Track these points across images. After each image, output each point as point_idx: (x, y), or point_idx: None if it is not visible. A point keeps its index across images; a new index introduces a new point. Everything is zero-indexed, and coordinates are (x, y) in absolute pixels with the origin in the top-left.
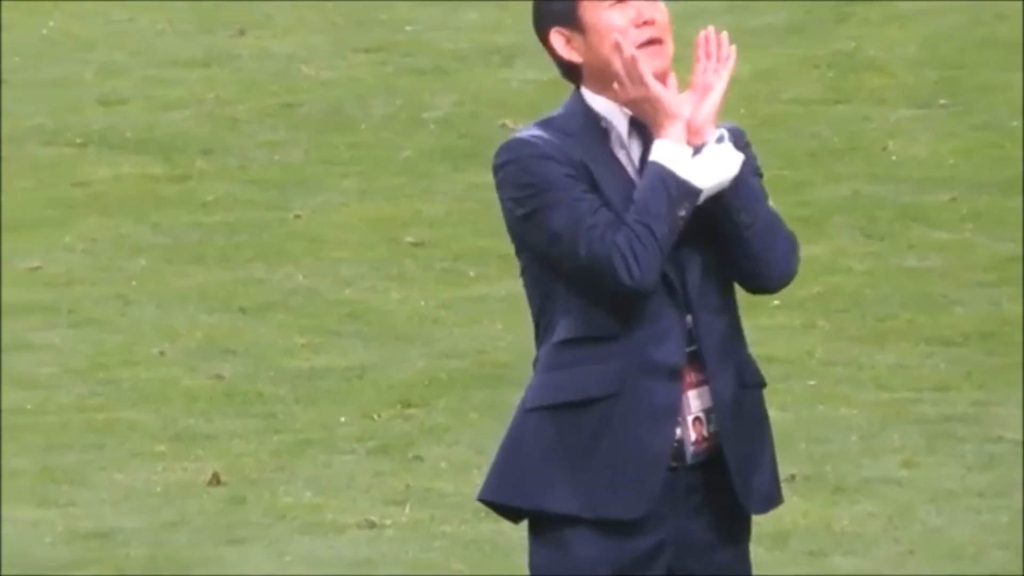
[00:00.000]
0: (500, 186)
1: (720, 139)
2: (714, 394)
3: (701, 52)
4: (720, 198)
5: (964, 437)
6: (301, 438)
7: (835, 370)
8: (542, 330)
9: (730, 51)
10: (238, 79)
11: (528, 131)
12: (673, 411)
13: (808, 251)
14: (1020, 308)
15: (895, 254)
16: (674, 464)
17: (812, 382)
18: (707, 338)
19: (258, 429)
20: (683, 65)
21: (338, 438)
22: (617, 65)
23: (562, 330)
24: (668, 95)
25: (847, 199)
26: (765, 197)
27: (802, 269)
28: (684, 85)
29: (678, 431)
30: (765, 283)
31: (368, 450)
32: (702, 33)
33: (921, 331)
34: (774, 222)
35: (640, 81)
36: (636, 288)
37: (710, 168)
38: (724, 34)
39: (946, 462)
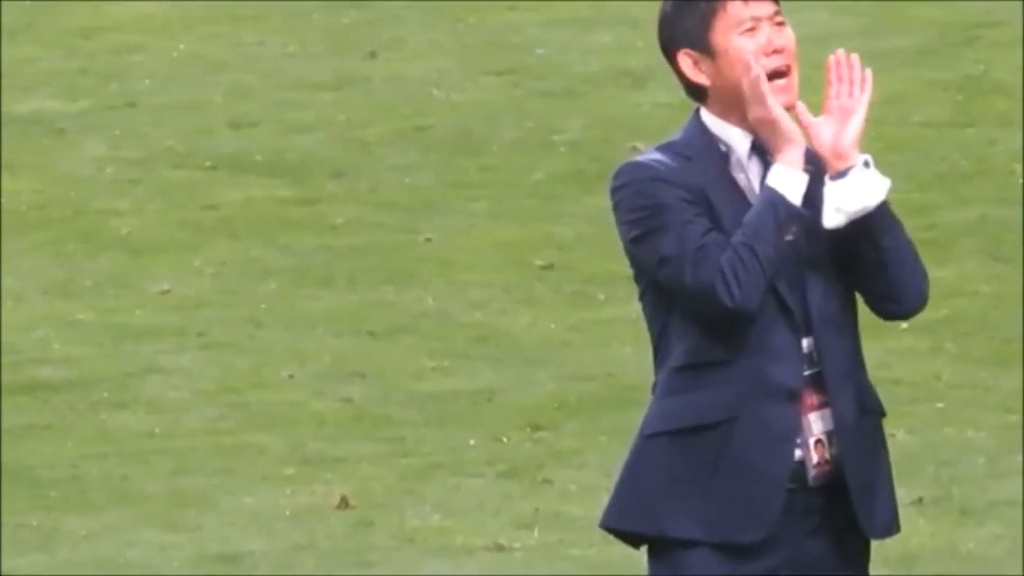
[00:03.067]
0: (616, 208)
1: (866, 164)
2: (836, 417)
3: (833, 75)
4: (865, 222)
5: None
6: (430, 461)
7: (962, 393)
8: (660, 355)
9: (865, 74)
10: (369, 102)
11: (647, 155)
12: (792, 434)
13: (935, 274)
14: None
15: (1021, 277)
16: (792, 486)
17: (939, 405)
18: (828, 360)
19: (386, 452)
20: (812, 87)
21: (467, 461)
22: (745, 85)
23: (679, 356)
24: (787, 118)
25: (974, 222)
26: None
27: (929, 292)
28: (814, 108)
29: (798, 452)
30: (902, 308)
31: (497, 473)
32: (833, 56)
33: None
34: (913, 248)
35: (762, 101)
36: (738, 310)
37: (856, 192)
38: (855, 56)
39: None
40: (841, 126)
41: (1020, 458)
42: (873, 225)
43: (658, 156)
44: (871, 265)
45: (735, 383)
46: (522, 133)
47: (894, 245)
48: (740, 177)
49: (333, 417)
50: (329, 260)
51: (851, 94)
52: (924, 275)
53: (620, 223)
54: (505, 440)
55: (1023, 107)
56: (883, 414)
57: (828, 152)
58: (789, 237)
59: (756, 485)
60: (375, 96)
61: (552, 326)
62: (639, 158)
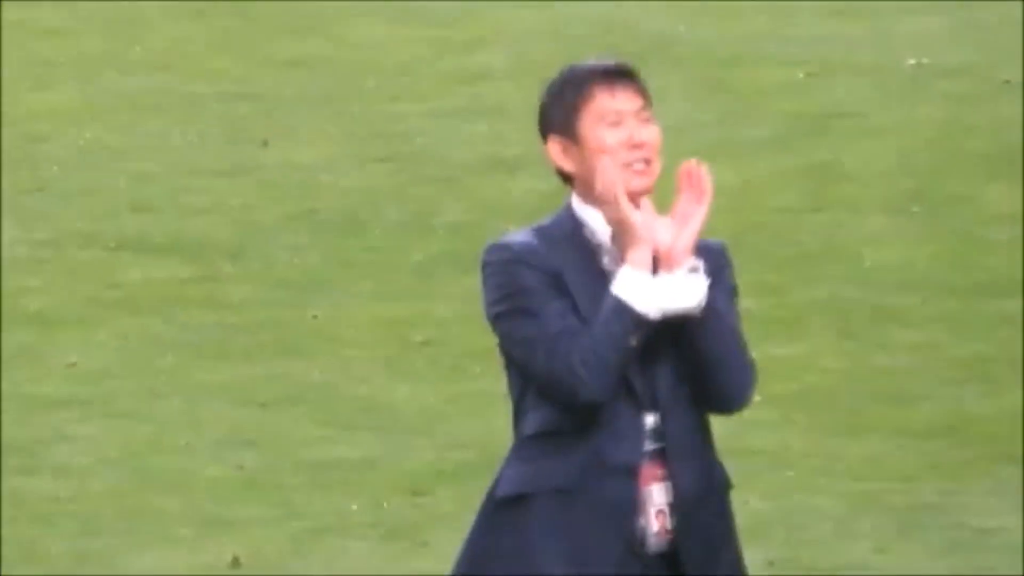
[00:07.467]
0: (483, 284)
1: (694, 269)
2: (676, 490)
3: (684, 183)
4: (688, 325)
5: (930, 525)
6: (317, 524)
7: (811, 461)
8: (518, 421)
9: (708, 186)
10: (262, 187)
11: (516, 235)
12: (627, 506)
13: (786, 350)
14: (984, 405)
15: (868, 353)
16: (633, 550)
17: (790, 473)
18: (673, 437)
19: (277, 516)
20: (669, 177)
21: (351, 524)
22: (599, 185)
23: (531, 424)
24: (639, 220)
25: (824, 301)
26: (735, 319)
27: (781, 367)
28: (669, 195)
29: (641, 520)
30: (719, 408)
31: (379, 536)
32: (685, 165)
33: (891, 424)
34: (736, 353)
35: (615, 202)
36: (587, 404)
37: (675, 294)
38: (704, 168)
39: (914, 549)
40: (679, 230)
41: (867, 523)
42: (695, 330)
43: (523, 238)
44: (695, 364)
45: (578, 455)
46: (404, 216)
47: (715, 351)
48: (605, 259)
49: (227, 482)
50: (224, 335)
51: (697, 201)
52: (749, 381)
53: (484, 299)
54: (386, 505)
55: (870, 193)
56: (730, 487)
57: (663, 252)
58: (634, 342)
59: (592, 552)
60: (268, 181)
61: (430, 398)
62: (506, 238)
